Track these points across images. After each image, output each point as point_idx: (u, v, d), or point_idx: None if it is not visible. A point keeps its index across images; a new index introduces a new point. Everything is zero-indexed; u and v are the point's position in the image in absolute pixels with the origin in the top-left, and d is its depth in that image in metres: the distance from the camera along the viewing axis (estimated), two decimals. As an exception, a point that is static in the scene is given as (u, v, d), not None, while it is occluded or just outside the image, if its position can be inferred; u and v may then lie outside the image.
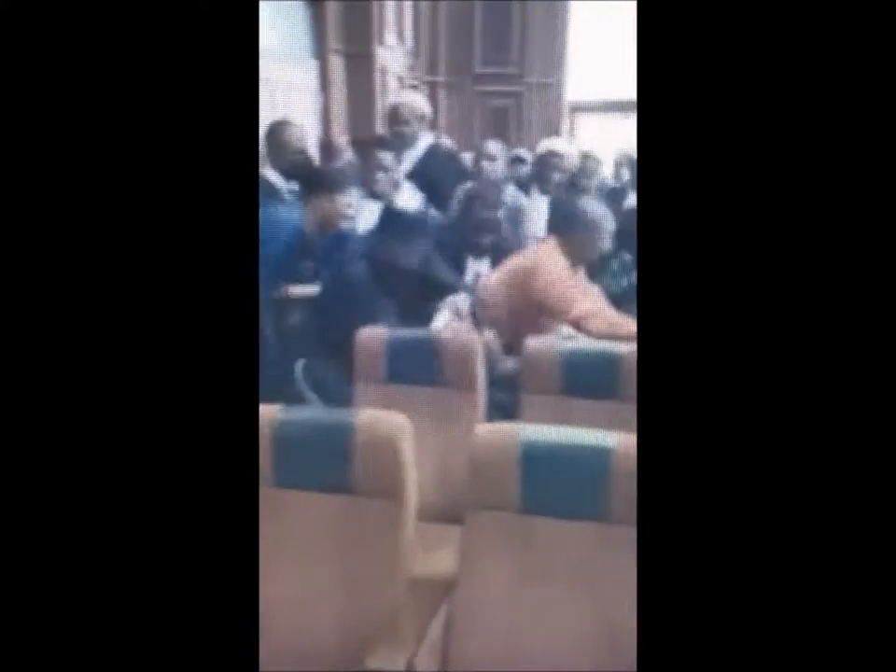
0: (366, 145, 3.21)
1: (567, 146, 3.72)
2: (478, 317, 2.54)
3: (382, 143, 3.14)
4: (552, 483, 1.36)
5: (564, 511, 1.36)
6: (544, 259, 2.53)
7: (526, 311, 2.52)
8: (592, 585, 1.34)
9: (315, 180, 2.61)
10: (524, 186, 3.46)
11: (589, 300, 2.50)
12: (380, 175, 2.94)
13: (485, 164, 3.40)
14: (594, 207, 2.60)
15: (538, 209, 3.36)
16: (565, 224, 2.61)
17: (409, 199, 2.99)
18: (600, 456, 1.33)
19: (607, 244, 2.61)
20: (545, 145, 3.62)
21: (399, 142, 3.21)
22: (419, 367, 2.07)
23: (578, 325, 2.42)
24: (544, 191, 3.43)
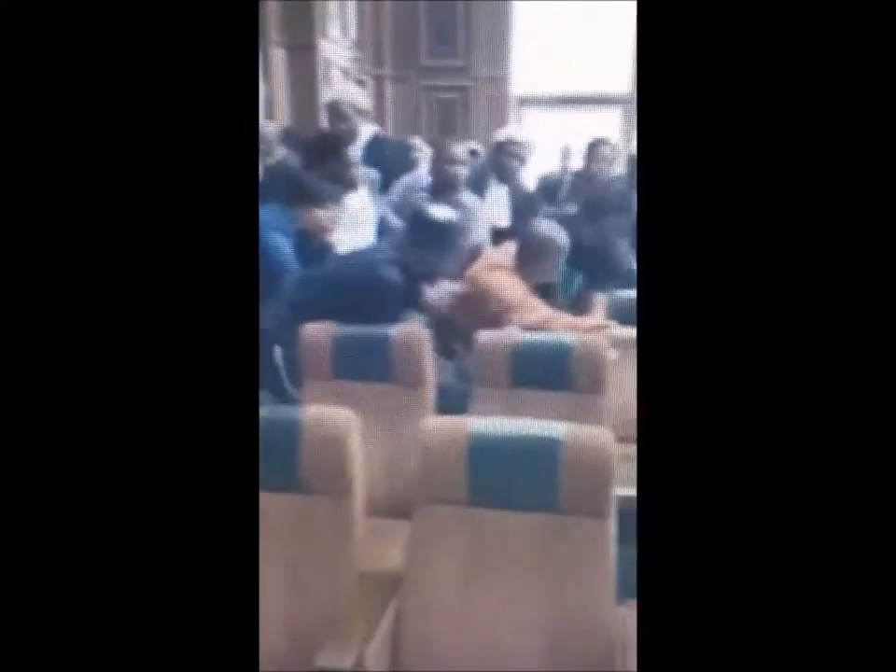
0: (310, 145, 3.13)
1: (524, 134, 3.64)
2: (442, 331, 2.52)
3: (324, 144, 3.07)
4: (500, 476, 1.36)
5: (513, 502, 1.36)
6: (497, 284, 2.52)
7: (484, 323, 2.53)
8: (542, 577, 1.34)
9: (294, 189, 2.53)
10: (477, 180, 3.42)
11: (542, 310, 2.50)
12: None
13: (453, 169, 3.31)
14: (545, 226, 2.62)
15: (494, 204, 3.33)
16: (526, 250, 2.60)
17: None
18: (549, 447, 1.34)
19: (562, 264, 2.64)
20: (503, 132, 3.55)
21: (340, 139, 3.15)
22: (368, 363, 2.05)
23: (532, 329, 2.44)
24: (503, 181, 3.39)
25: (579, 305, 2.78)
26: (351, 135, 3.16)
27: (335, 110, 3.20)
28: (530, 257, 2.58)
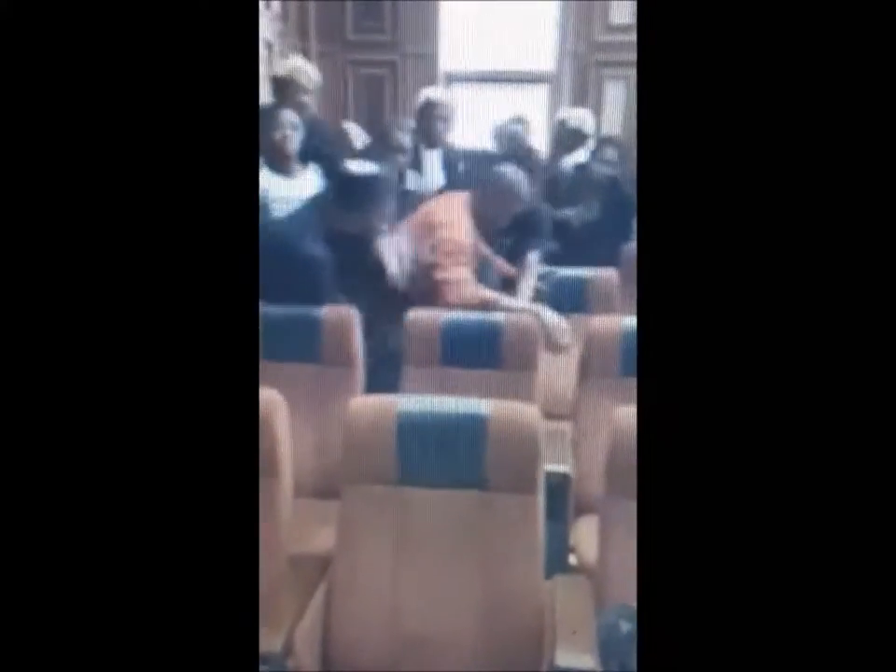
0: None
1: (446, 94, 3.48)
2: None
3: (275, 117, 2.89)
4: (428, 454, 1.36)
5: (441, 480, 1.36)
6: (446, 211, 2.44)
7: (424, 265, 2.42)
8: (471, 554, 1.35)
9: None
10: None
11: (462, 270, 2.41)
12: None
13: (399, 158, 3.18)
14: (510, 172, 2.51)
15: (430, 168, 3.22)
16: (479, 185, 2.51)
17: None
18: (475, 424, 1.34)
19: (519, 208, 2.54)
20: (423, 94, 3.38)
21: (294, 114, 3.01)
22: (297, 343, 2.02)
23: (439, 291, 2.35)
24: (431, 145, 3.26)
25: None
26: (303, 110, 3.01)
27: (287, 84, 3.03)
28: (488, 199, 2.48)
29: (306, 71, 3.11)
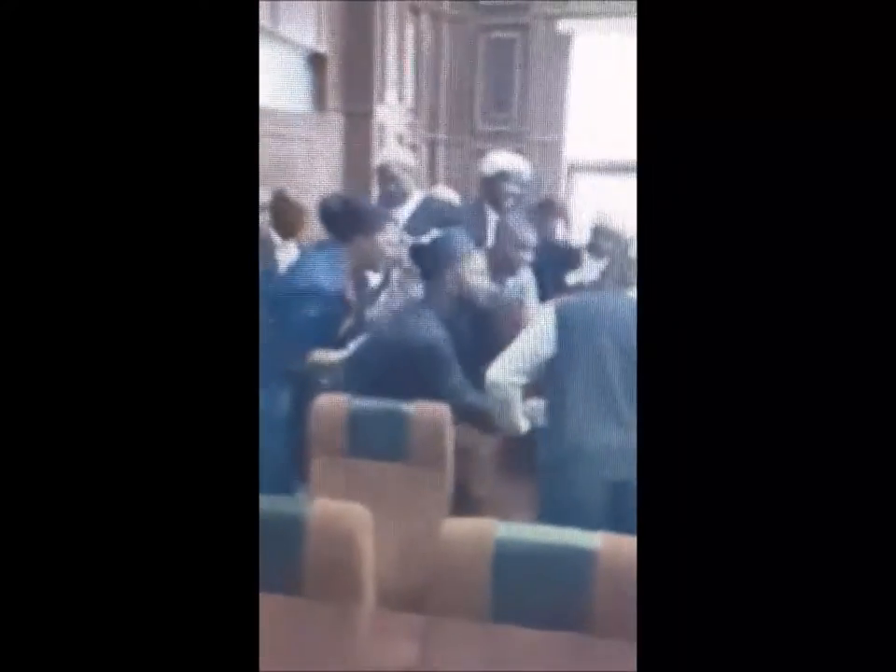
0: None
1: (519, 161, 3.33)
2: None
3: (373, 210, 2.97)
4: (527, 589, 1.21)
5: (540, 620, 1.21)
6: None
7: None
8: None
9: (352, 217, 2.44)
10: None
11: None
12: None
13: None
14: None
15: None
16: None
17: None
18: (583, 559, 1.19)
19: None
20: (491, 162, 3.26)
21: (391, 201, 3.12)
22: (385, 440, 1.95)
23: None
24: (500, 214, 3.17)
25: None
26: (398, 197, 3.11)
27: (384, 173, 3.17)
28: None
29: (398, 159, 3.21)
